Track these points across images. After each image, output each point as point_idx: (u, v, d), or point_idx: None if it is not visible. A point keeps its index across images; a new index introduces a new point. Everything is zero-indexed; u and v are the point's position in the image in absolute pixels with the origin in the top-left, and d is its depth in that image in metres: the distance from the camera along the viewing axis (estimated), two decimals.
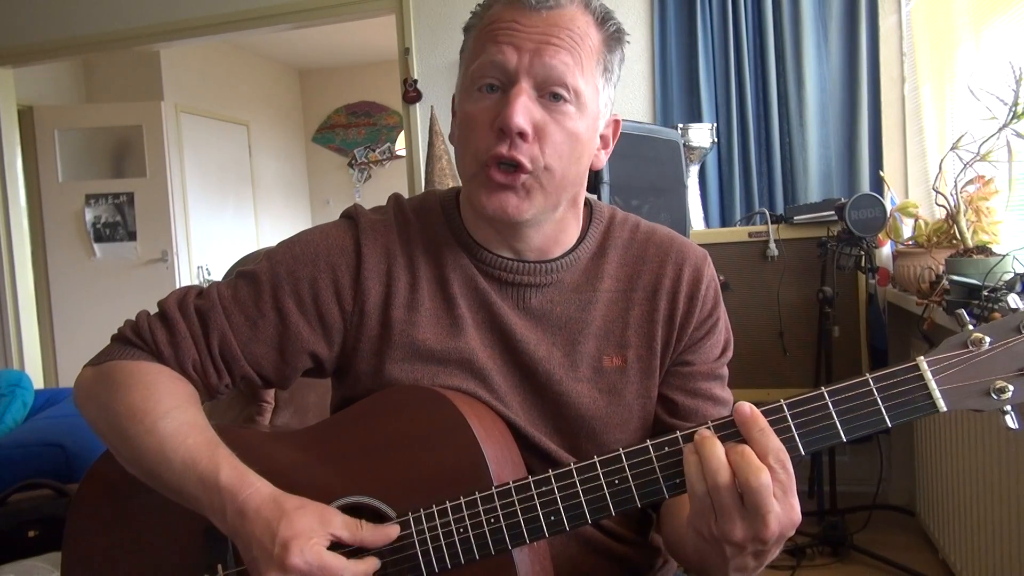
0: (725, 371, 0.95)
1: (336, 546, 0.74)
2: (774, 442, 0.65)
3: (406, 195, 0.98)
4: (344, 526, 0.74)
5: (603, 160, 0.90)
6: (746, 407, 0.67)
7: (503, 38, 0.80)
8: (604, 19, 0.84)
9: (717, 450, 0.66)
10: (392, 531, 0.75)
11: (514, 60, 0.79)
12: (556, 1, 0.80)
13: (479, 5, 0.87)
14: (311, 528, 0.71)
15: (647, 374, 0.90)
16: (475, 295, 0.89)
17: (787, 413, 0.67)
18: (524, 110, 0.78)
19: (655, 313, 0.90)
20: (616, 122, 0.91)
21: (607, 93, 0.87)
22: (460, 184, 0.92)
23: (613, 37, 0.85)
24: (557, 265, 0.89)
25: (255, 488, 0.74)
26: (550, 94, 0.80)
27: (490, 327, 0.88)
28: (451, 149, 0.87)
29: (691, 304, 0.90)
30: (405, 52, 3.41)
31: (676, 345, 0.91)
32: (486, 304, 0.88)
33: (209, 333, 0.86)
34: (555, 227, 0.89)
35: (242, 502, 0.73)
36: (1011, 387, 0.64)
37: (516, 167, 0.79)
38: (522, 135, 0.78)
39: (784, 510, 0.64)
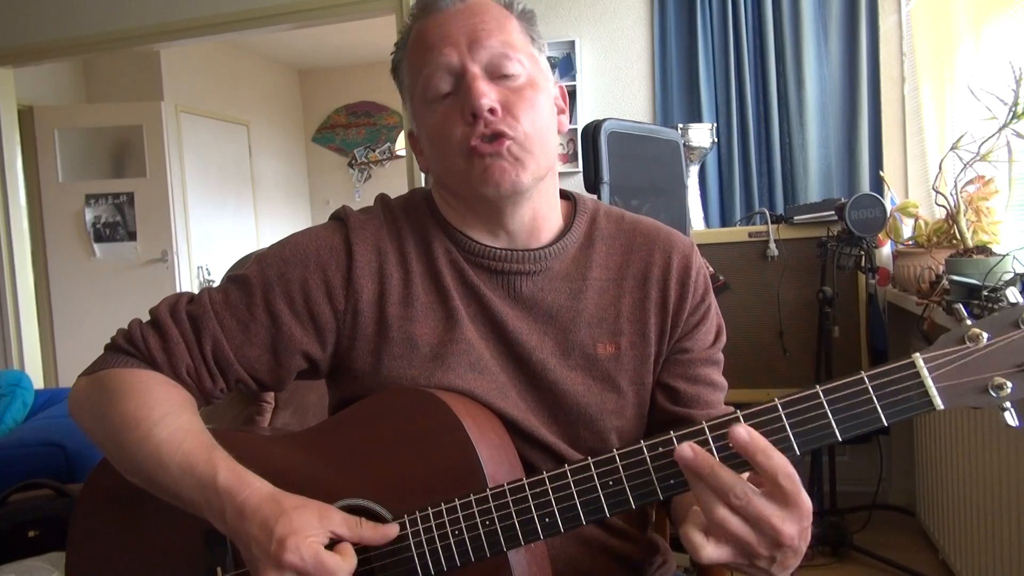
0: (720, 357, 0.96)
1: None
2: (778, 460, 0.63)
3: None
4: (344, 523, 0.74)
5: (565, 125, 0.93)
6: (742, 432, 0.63)
7: (436, 42, 0.85)
8: (508, 3, 0.89)
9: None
10: (392, 530, 0.75)
11: (455, 55, 0.83)
12: None
13: (397, 41, 0.91)
14: (309, 526, 0.71)
15: (641, 361, 0.90)
16: (465, 287, 0.89)
17: (781, 412, 0.66)
18: (485, 90, 0.82)
19: (646, 300, 0.91)
20: (561, 88, 0.94)
21: (543, 60, 0.90)
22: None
23: (523, 14, 0.90)
24: (545, 253, 0.90)
25: (254, 488, 0.74)
26: (500, 76, 0.84)
27: (483, 318, 0.89)
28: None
29: (683, 290, 0.91)
30: None
31: (672, 332, 0.91)
32: (477, 295, 0.89)
33: (202, 338, 0.86)
34: (542, 202, 0.90)
35: (241, 502, 0.73)
36: (1010, 384, 0.62)
37: (498, 137, 0.82)
38: (492, 111, 0.81)
39: (794, 515, 0.63)
